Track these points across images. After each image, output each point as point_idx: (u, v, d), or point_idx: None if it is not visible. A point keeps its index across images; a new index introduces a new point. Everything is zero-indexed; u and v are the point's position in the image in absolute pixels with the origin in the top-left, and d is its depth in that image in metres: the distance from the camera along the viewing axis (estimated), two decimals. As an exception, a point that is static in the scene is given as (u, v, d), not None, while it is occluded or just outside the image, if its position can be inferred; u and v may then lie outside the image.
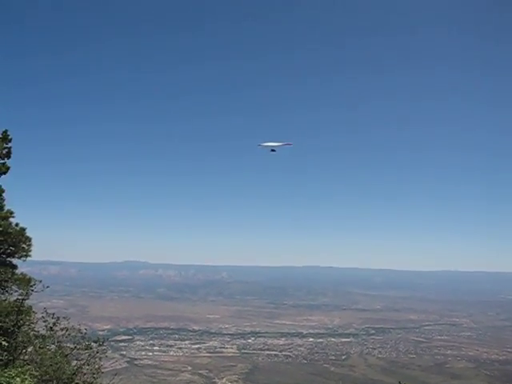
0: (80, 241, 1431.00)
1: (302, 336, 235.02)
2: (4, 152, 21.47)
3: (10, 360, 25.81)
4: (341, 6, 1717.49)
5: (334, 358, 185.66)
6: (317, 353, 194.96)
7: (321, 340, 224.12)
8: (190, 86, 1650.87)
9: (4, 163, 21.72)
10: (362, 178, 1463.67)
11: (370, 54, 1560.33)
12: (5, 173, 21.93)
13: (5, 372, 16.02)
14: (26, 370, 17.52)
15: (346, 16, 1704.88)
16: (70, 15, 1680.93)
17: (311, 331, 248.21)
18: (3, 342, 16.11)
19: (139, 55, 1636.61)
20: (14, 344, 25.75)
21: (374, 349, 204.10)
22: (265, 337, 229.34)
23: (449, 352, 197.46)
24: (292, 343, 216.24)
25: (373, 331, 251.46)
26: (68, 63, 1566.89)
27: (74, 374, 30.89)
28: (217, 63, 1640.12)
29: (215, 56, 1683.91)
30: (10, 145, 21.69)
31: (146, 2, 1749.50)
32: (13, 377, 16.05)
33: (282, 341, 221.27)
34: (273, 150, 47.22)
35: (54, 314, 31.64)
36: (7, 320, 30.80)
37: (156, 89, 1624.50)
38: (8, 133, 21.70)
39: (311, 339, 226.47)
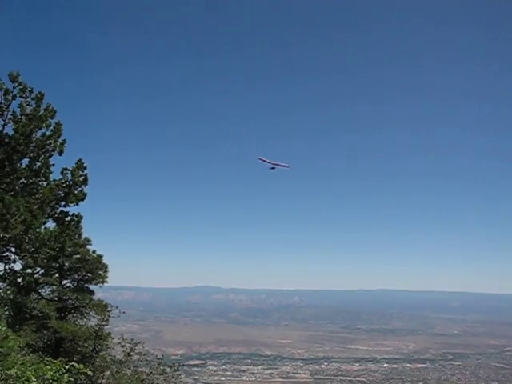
0: (153, 266, 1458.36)
1: (376, 361, 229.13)
2: (81, 179, 22.26)
3: (89, 384, 26.49)
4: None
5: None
6: (392, 379, 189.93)
7: (396, 365, 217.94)
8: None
9: (81, 190, 22.51)
10: (438, 202, 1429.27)
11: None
12: (82, 199, 22.72)
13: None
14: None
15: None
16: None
17: (386, 356, 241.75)
18: (88, 372, 16.49)
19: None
20: (92, 369, 26.39)
21: (453, 375, 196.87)
22: (338, 362, 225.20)
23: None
24: (366, 369, 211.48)
25: (450, 357, 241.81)
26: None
27: (150, 398, 31.40)
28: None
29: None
30: (85, 172, 22.49)
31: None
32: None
33: (355, 366, 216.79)
34: (272, 168, 47.21)
35: (132, 340, 32.39)
36: (86, 345, 31.76)
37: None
38: (83, 161, 22.54)
39: (386, 364, 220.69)
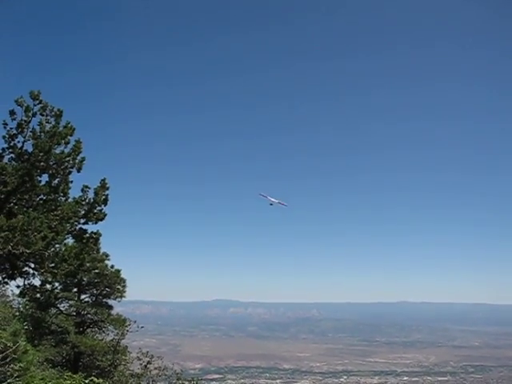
0: (171, 280, 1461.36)
1: (396, 374, 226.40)
2: (102, 199, 22.53)
3: (108, 399, 26.58)
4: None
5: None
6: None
7: (416, 379, 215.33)
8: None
9: (102, 210, 22.76)
10: (458, 214, 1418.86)
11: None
12: (102, 219, 22.97)
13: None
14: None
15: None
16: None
17: (406, 369, 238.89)
18: (105, 386, 16.62)
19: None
20: (110, 383, 26.54)
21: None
22: (357, 375, 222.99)
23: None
24: (386, 382, 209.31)
25: (472, 369, 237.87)
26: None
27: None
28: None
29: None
30: (107, 192, 22.77)
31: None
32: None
33: (375, 379, 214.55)
34: (271, 204, 47.83)
35: (147, 352, 32.53)
36: (104, 359, 31.94)
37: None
38: (106, 181, 22.81)
39: (406, 378, 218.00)
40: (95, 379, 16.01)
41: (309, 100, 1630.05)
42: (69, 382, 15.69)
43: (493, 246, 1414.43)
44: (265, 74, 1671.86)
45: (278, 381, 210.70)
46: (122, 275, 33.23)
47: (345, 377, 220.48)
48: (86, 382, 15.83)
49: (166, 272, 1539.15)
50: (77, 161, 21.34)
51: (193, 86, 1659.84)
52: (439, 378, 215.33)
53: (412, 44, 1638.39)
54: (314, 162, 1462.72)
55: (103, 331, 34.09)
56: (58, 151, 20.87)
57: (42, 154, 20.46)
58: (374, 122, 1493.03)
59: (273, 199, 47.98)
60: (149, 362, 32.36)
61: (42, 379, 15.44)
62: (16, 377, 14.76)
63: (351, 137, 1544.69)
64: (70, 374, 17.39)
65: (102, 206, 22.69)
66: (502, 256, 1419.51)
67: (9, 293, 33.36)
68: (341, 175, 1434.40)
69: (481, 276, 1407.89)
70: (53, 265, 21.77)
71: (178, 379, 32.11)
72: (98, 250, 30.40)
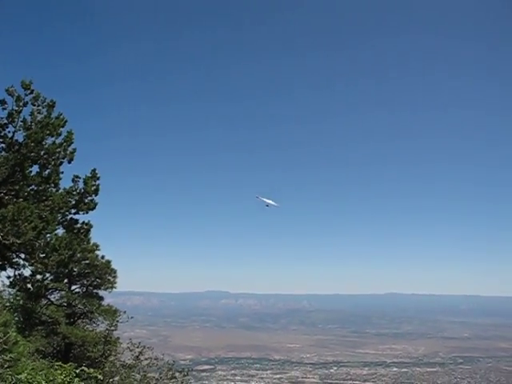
0: (162, 271, 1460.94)
1: (385, 365, 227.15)
2: (93, 189, 22.46)
3: (99, 389, 26.60)
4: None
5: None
6: (402, 383, 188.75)
7: (405, 370, 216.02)
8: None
9: (92, 200, 22.70)
10: (448, 205, 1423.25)
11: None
12: (93, 209, 22.92)
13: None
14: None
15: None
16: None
17: (395, 360, 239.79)
18: (99, 376, 16.65)
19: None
20: (101, 374, 26.52)
21: (463, 379, 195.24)
22: (347, 366, 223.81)
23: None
24: (376, 373, 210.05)
25: (460, 360, 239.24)
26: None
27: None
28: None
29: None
30: (98, 182, 22.69)
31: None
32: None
33: (365, 370, 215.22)
34: (267, 205, 48.23)
35: (139, 343, 32.57)
36: (95, 350, 31.95)
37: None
38: (96, 171, 22.74)
39: (395, 369, 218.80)
40: (86, 369, 16.04)
41: (299, 93, 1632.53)
42: (59, 372, 15.70)
43: (483, 237, 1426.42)
44: (255, 66, 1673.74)
45: (268, 371, 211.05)
46: (113, 266, 33.22)
47: (335, 368, 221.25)
48: (77, 371, 15.86)
49: (157, 263, 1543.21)
50: (68, 152, 21.25)
51: (183, 77, 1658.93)
52: (428, 369, 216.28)
53: (407, 37, 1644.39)
54: (301, 155, 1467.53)
55: (94, 322, 34.08)
56: (49, 142, 20.77)
57: (33, 144, 20.32)
58: (366, 115, 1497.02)
59: (268, 201, 48.31)
60: (140, 353, 32.43)
61: (32, 369, 15.44)
62: (7, 367, 14.75)
63: (339, 129, 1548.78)
64: (60, 364, 17.39)
65: (93, 195, 22.63)
66: (491, 248, 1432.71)
67: (-1, 284, 33.28)
68: (329, 168, 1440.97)
69: (471, 268, 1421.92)
70: (43, 255, 21.69)
71: (169, 370, 32.20)
72: (88, 241, 30.29)
